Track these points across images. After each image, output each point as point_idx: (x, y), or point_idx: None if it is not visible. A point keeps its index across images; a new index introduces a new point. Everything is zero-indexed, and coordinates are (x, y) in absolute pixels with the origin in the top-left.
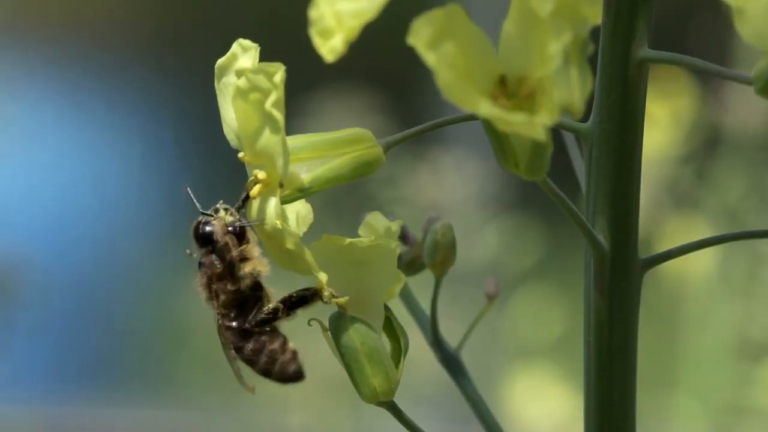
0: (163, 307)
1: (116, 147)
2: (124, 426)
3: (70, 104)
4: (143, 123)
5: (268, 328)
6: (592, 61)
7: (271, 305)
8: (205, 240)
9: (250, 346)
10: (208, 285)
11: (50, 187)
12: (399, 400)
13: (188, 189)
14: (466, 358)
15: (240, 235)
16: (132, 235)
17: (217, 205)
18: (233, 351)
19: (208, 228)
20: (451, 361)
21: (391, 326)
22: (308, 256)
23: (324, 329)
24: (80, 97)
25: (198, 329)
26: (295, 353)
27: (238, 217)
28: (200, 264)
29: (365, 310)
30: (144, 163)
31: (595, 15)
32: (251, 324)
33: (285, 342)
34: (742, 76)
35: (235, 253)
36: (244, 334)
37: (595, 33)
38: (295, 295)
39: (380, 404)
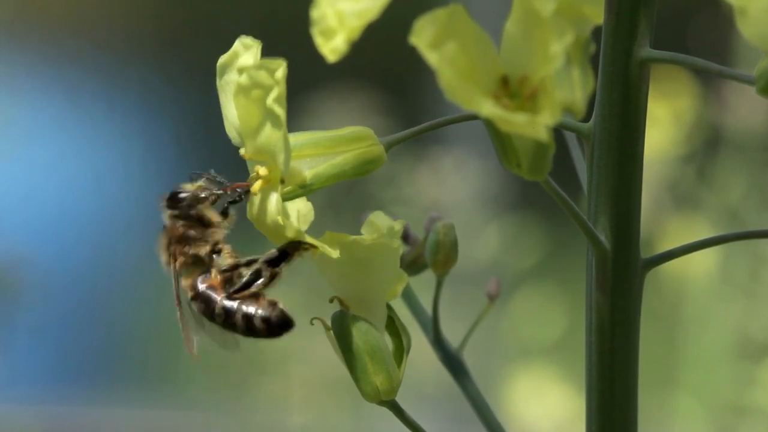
0: (164, 307)
1: (116, 147)
2: (124, 426)
3: (70, 104)
4: (143, 123)
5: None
6: (594, 60)
7: (253, 268)
8: (178, 202)
9: (220, 305)
10: (167, 247)
11: (50, 187)
12: (400, 399)
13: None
14: (467, 358)
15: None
16: (132, 235)
17: (209, 174)
18: (189, 312)
19: (177, 192)
20: (452, 361)
21: (393, 325)
22: (310, 239)
23: (326, 328)
24: (80, 97)
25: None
26: (273, 301)
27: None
28: (167, 227)
29: (368, 309)
30: (144, 163)
31: (596, 15)
32: (236, 291)
33: (259, 296)
34: (744, 75)
35: (205, 217)
36: (212, 297)
37: (596, 33)
38: (275, 251)
39: (382, 403)
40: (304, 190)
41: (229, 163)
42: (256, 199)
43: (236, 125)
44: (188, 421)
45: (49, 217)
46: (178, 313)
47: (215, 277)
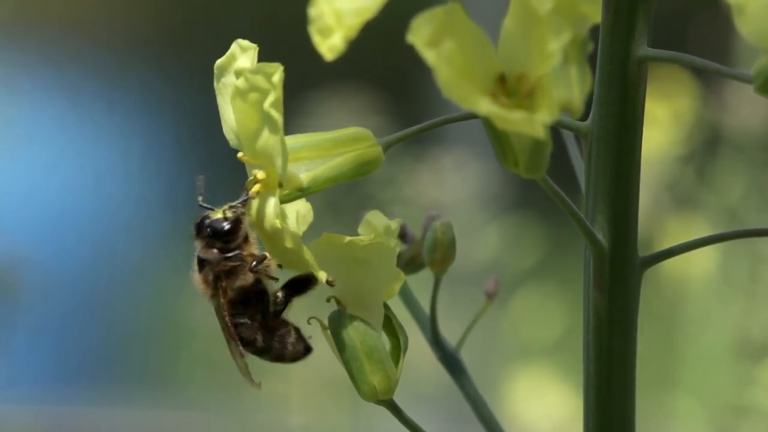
0: (163, 307)
1: (116, 147)
2: (124, 426)
3: (70, 104)
4: (143, 123)
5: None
6: (592, 59)
7: (280, 296)
8: (217, 235)
9: (260, 337)
10: (215, 282)
11: (50, 187)
12: (399, 399)
13: (200, 180)
14: (466, 359)
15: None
16: (132, 235)
17: (225, 207)
18: (241, 346)
19: (222, 224)
20: (450, 360)
21: (390, 325)
22: (307, 254)
23: (323, 328)
24: (80, 97)
25: (198, 329)
26: (298, 330)
27: (241, 212)
28: (203, 260)
29: (365, 309)
30: (144, 163)
31: (594, 13)
32: (270, 318)
33: (287, 323)
34: (742, 74)
35: (245, 249)
36: (252, 327)
37: (594, 31)
38: (294, 282)
39: (379, 402)
40: (302, 192)
41: (228, 163)
42: (254, 203)
43: (234, 128)
44: (188, 421)
45: (49, 217)
46: (232, 349)
47: (255, 305)
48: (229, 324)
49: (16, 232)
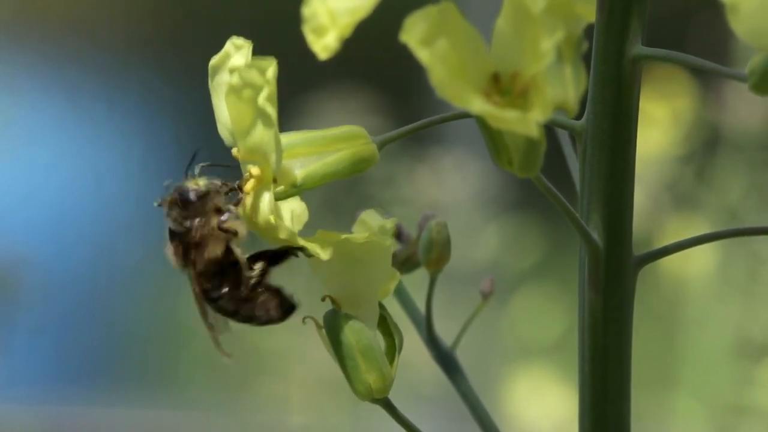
0: (164, 307)
1: (116, 147)
2: (124, 426)
3: (70, 104)
4: (143, 123)
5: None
6: (587, 58)
7: (257, 267)
8: (188, 205)
9: (242, 307)
10: (185, 254)
11: (50, 187)
12: (397, 398)
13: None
14: (465, 359)
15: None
16: (132, 234)
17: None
18: (210, 318)
19: (192, 193)
20: (446, 359)
21: (385, 324)
22: (302, 242)
23: (318, 327)
24: (80, 97)
25: (198, 329)
26: (279, 291)
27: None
28: (173, 232)
29: (360, 308)
30: (144, 163)
31: (588, 12)
32: (247, 290)
33: (266, 288)
34: (737, 73)
35: (216, 220)
36: (231, 299)
37: (589, 31)
38: (268, 253)
39: (375, 401)
40: (296, 189)
41: (228, 162)
42: (249, 199)
43: (228, 127)
44: (188, 421)
45: (49, 217)
46: (205, 320)
47: (230, 276)
48: (199, 295)
49: (16, 232)
